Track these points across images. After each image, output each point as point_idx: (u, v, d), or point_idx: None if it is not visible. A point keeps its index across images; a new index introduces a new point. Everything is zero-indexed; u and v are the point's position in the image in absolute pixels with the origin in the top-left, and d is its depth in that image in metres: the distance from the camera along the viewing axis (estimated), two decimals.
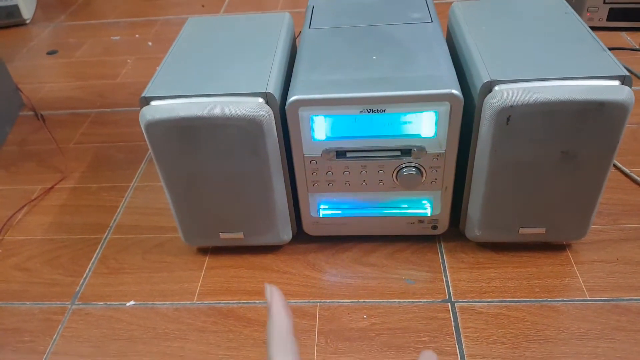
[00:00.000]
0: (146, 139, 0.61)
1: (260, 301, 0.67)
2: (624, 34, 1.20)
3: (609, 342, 0.59)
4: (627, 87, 0.55)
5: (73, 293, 0.71)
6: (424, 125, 0.61)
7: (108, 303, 0.70)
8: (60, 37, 1.47)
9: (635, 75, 1.05)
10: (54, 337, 0.66)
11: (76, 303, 0.70)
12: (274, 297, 0.35)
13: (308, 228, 0.73)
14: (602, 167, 0.60)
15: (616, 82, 0.55)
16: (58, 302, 0.70)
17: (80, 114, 1.11)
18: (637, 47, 1.15)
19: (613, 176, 0.81)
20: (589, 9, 1.19)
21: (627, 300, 0.64)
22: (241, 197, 0.65)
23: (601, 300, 0.64)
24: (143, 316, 0.67)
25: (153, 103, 0.60)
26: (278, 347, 0.33)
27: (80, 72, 1.28)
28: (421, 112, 0.59)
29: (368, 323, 0.64)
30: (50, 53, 1.38)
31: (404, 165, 0.63)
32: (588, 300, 0.64)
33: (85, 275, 0.74)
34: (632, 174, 0.81)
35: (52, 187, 0.91)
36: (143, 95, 0.60)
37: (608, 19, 1.19)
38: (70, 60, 1.34)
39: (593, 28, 0.65)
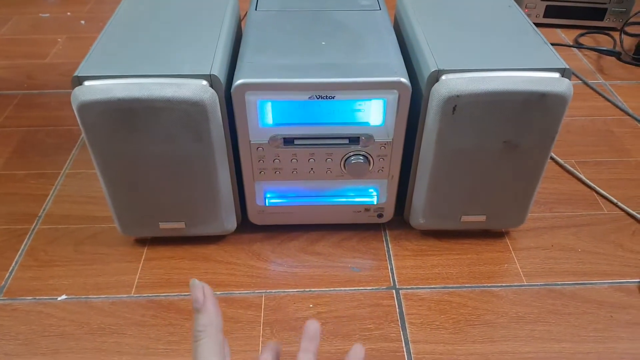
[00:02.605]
0: (79, 122, 0.56)
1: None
2: (559, 30, 1.26)
3: (544, 324, 0.62)
4: (566, 80, 0.57)
5: None
6: (372, 113, 0.60)
7: (37, 298, 0.65)
8: None
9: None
10: None
11: (2, 298, 0.65)
12: (207, 294, 0.34)
13: (253, 217, 0.71)
14: (541, 157, 0.62)
15: (556, 75, 0.57)
16: None
17: (5, 95, 1.03)
18: (571, 43, 1.20)
19: (548, 166, 0.84)
20: (527, 5, 1.23)
21: (561, 284, 0.67)
22: (183, 185, 0.63)
23: (537, 285, 0.67)
24: (76, 311, 0.63)
25: (86, 83, 0.56)
26: (211, 349, 0.31)
27: (4, 51, 1.18)
28: (370, 99, 0.59)
29: (314, 312, 0.63)
30: None
31: (352, 153, 0.63)
32: (525, 285, 0.67)
33: (11, 268, 0.69)
34: (565, 165, 0.85)
35: None
36: (75, 74, 0.56)
37: (545, 16, 1.24)
38: None
39: None
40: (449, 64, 0.58)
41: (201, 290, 0.34)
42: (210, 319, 0.33)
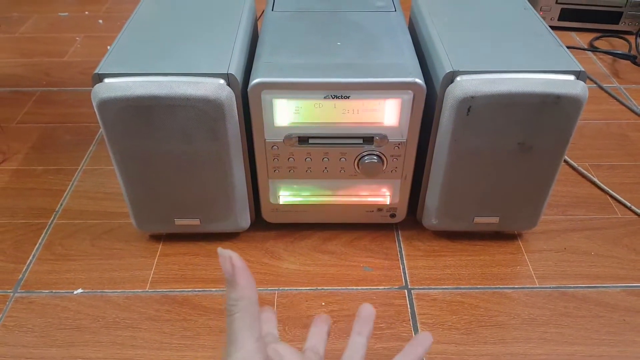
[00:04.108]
0: (98, 118, 0.57)
1: (217, 289, 0.66)
2: (573, 34, 1.25)
3: (557, 327, 0.62)
4: (581, 82, 0.57)
5: (15, 281, 0.67)
6: (387, 113, 0.61)
7: (54, 291, 0.66)
8: (2, 11, 1.38)
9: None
10: None
11: (19, 291, 0.66)
12: (237, 265, 0.30)
13: (267, 215, 0.72)
14: (554, 159, 0.62)
15: (571, 77, 0.57)
16: None
17: (24, 92, 1.05)
18: (586, 47, 1.19)
19: (562, 169, 0.84)
20: (542, 8, 1.23)
21: (574, 287, 0.67)
22: (199, 181, 0.64)
23: (550, 288, 0.67)
24: (92, 304, 0.64)
25: (107, 80, 0.57)
26: (244, 324, 0.30)
27: (24, 49, 1.20)
28: (385, 99, 0.59)
29: (326, 310, 0.64)
30: None
31: (366, 153, 0.63)
32: (537, 288, 0.67)
33: (28, 262, 0.70)
34: (579, 168, 0.85)
35: None
36: (96, 71, 0.57)
37: (560, 19, 1.24)
38: (13, 35, 1.26)
39: None
40: (464, 65, 0.58)
41: (229, 261, 0.31)
42: (241, 292, 0.31)
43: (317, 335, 0.42)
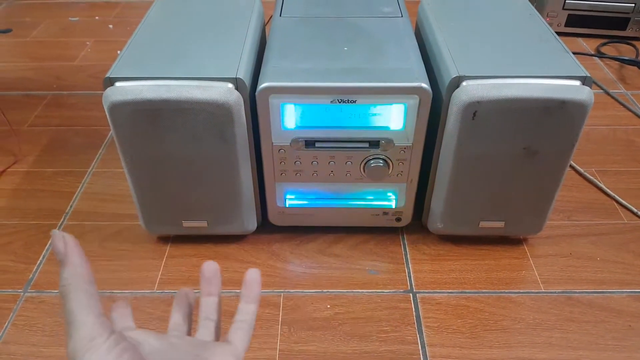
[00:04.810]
0: (109, 121, 0.59)
1: (225, 290, 0.67)
2: (580, 39, 1.25)
3: (562, 332, 0.62)
4: (587, 88, 0.57)
5: (26, 280, 0.68)
6: (392, 117, 0.61)
7: None
8: (14, 16, 1.40)
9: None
10: (5, 325, 0.63)
11: (29, 291, 0.67)
12: (69, 244, 0.29)
13: (273, 218, 0.72)
14: (560, 164, 0.62)
15: (577, 83, 0.58)
16: (10, 290, 0.67)
17: (36, 95, 1.06)
18: (592, 52, 1.20)
19: (567, 175, 0.85)
20: (548, 14, 1.23)
21: (579, 292, 0.67)
22: (206, 184, 0.64)
23: (555, 293, 0.67)
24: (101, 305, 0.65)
25: (118, 84, 0.58)
26: (80, 303, 0.28)
27: (35, 53, 1.22)
28: (391, 104, 0.60)
29: (331, 313, 0.64)
30: (3, 32, 1.31)
31: (372, 156, 0.64)
32: (543, 292, 0.67)
33: (39, 262, 0.71)
34: (585, 173, 0.85)
35: (3, 171, 0.86)
36: (108, 75, 0.58)
37: (566, 25, 1.24)
38: (25, 40, 1.28)
39: None
40: (469, 70, 0.59)
41: (62, 240, 0.29)
42: (74, 270, 0.29)
43: (178, 311, 0.40)
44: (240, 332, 0.37)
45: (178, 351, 0.33)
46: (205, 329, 0.38)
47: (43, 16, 1.40)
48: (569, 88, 0.57)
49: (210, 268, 0.40)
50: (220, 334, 0.39)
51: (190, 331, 0.39)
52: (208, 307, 0.39)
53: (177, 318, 0.39)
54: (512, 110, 0.57)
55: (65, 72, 1.14)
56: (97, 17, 1.39)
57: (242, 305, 0.39)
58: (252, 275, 0.40)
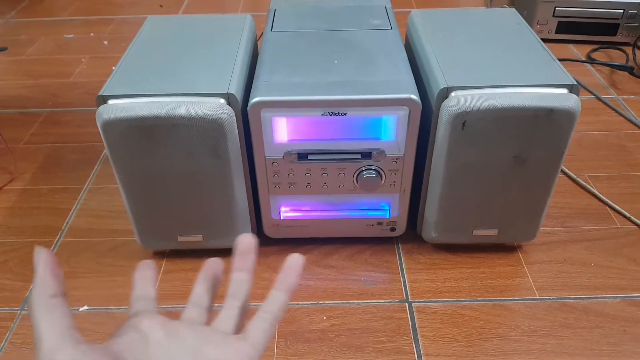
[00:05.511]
0: (103, 138, 0.59)
1: (216, 305, 0.67)
2: (571, 46, 1.27)
3: (557, 338, 0.62)
4: (574, 95, 0.58)
5: (22, 298, 0.68)
6: (384, 129, 0.62)
7: None
8: (10, 34, 1.41)
9: (582, 85, 1.10)
10: (2, 344, 0.63)
11: (26, 309, 0.67)
12: (40, 259, 0.29)
13: (268, 230, 0.73)
14: (550, 171, 0.63)
15: (564, 91, 0.58)
16: (6, 308, 0.67)
17: (31, 113, 1.07)
18: (583, 58, 1.21)
19: (560, 181, 0.85)
20: (539, 21, 1.24)
21: (574, 298, 0.67)
22: (201, 198, 0.65)
23: (550, 299, 0.67)
24: (98, 321, 0.65)
25: (110, 102, 0.58)
26: (43, 314, 0.28)
27: (31, 70, 1.23)
28: (381, 116, 0.60)
29: (327, 324, 0.64)
30: None
31: (364, 168, 0.64)
32: (537, 299, 0.67)
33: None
34: (578, 179, 0.85)
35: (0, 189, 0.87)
36: (100, 93, 0.59)
37: (557, 32, 1.25)
38: (20, 57, 1.29)
39: (543, 40, 0.69)
40: (458, 81, 0.59)
41: (36, 255, 0.29)
42: (38, 283, 0.29)
43: (202, 283, 0.37)
44: (262, 324, 0.33)
45: (182, 345, 0.31)
46: (228, 312, 0.35)
47: (38, 34, 1.41)
48: (556, 96, 0.57)
49: (246, 241, 0.36)
50: (244, 319, 0.35)
51: (211, 305, 0.36)
52: (237, 283, 0.35)
53: (199, 290, 0.36)
54: (501, 119, 0.58)
55: (61, 89, 1.15)
56: (92, 34, 1.40)
57: (273, 293, 0.35)
58: (294, 261, 0.36)
